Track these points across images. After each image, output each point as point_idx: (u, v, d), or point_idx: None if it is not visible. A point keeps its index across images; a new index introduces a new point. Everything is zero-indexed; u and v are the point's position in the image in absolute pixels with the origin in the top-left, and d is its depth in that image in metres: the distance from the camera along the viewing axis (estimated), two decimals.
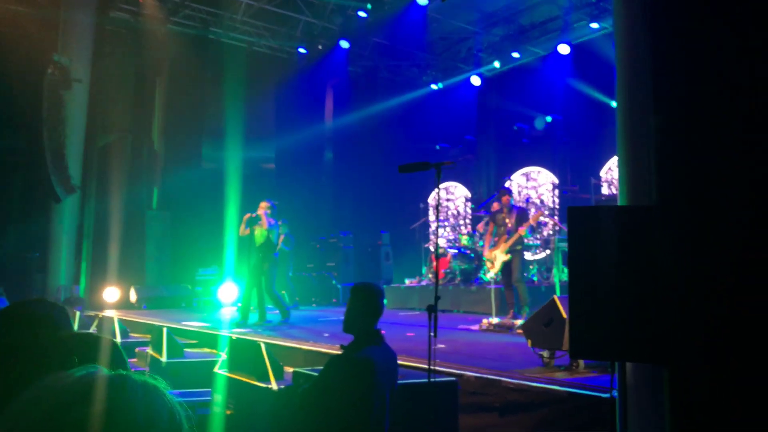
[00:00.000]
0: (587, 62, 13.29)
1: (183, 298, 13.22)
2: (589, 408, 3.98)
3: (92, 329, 8.10)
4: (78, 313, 8.61)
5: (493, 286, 9.76)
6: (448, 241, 14.69)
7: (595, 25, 13.20)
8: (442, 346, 6.37)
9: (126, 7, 13.62)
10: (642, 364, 3.28)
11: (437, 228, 4.39)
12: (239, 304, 10.03)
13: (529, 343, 5.36)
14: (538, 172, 15.34)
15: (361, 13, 13.98)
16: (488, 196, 14.03)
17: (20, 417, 0.76)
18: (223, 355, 5.38)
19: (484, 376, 4.71)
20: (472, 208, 16.29)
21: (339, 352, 3.60)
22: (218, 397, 4.86)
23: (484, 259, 9.99)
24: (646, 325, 2.98)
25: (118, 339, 7.77)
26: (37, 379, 0.82)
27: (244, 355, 4.91)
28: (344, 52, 15.26)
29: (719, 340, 2.61)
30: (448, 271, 12.39)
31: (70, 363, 0.90)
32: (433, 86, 17.24)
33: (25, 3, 11.83)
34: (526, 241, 9.40)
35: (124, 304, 12.54)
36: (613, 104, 3.83)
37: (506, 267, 8.92)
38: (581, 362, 4.93)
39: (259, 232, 9.33)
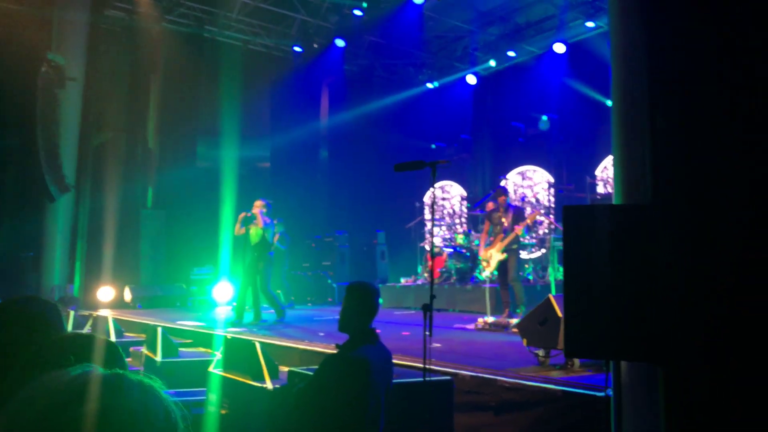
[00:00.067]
0: (583, 61, 13.30)
1: (178, 297, 13.19)
2: (584, 407, 3.98)
3: (87, 329, 8.07)
4: (72, 313, 8.58)
5: (488, 285, 9.76)
6: (444, 240, 14.71)
7: (590, 24, 13.21)
8: (438, 345, 6.37)
9: (120, 5, 13.57)
10: (637, 363, 3.28)
11: (433, 227, 4.38)
12: (234, 304, 10.01)
13: (525, 342, 5.37)
14: (534, 171, 15.35)
15: (357, 12, 13.96)
16: (484, 195, 14.03)
17: (16, 417, 0.76)
18: (218, 355, 5.37)
19: (480, 375, 4.71)
20: (467, 207, 16.29)
21: (334, 352, 3.59)
22: (213, 397, 4.84)
23: (480, 258, 9.99)
24: (642, 324, 2.98)
25: (113, 339, 7.74)
26: (33, 379, 0.81)
27: (239, 354, 4.90)
28: (340, 51, 15.24)
29: (719, 339, 2.60)
30: (444, 270, 12.39)
31: (67, 363, 0.90)
32: (429, 85, 17.24)
33: (19, 1, 11.78)
34: (521, 240, 9.40)
35: (118, 304, 12.51)
36: (609, 103, 3.83)
37: (502, 266, 8.93)
38: (576, 361, 4.94)
39: (255, 231, 9.31)
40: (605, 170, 13.39)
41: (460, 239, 12.68)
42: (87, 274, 12.88)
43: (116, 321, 8.49)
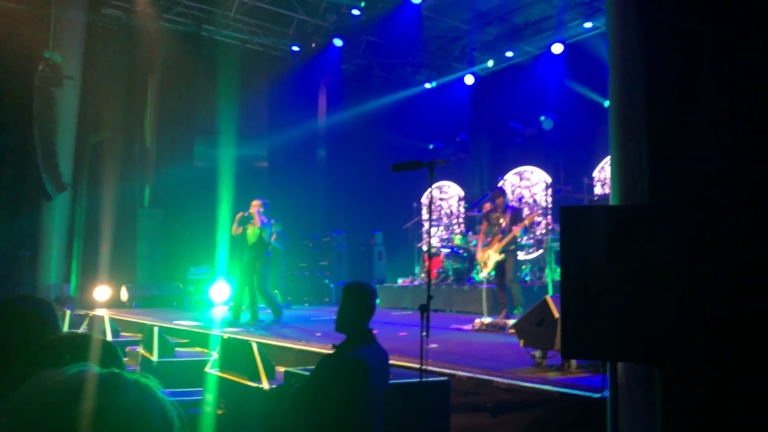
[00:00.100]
0: (581, 61, 13.32)
1: (174, 297, 13.17)
2: (581, 408, 3.98)
3: (83, 328, 8.05)
4: (68, 312, 8.56)
5: (485, 286, 9.76)
6: (441, 240, 14.71)
7: (588, 25, 13.22)
8: (435, 345, 6.36)
9: (118, 3, 13.54)
10: (634, 364, 3.28)
11: (430, 227, 4.38)
12: (231, 303, 9.99)
13: (521, 342, 5.36)
14: (531, 171, 15.35)
15: (355, 11, 13.95)
16: (482, 195, 14.04)
17: (12, 416, 0.76)
18: (215, 355, 5.36)
19: (476, 376, 4.71)
20: (465, 208, 16.29)
21: (331, 352, 3.58)
22: (209, 397, 4.83)
23: (476, 262, 10.00)
24: (639, 325, 2.98)
25: (109, 338, 7.72)
26: (29, 378, 0.81)
27: (235, 354, 4.89)
28: (338, 50, 15.24)
29: (719, 339, 2.60)
30: (441, 270, 12.38)
31: (63, 362, 0.90)
32: (427, 85, 17.23)
33: None
34: (519, 240, 9.40)
35: (115, 303, 12.48)
36: (606, 104, 3.83)
37: (499, 267, 8.92)
38: (573, 362, 4.93)
39: (252, 231, 9.29)
40: (603, 171, 13.41)
41: (457, 240, 12.67)
42: (83, 273, 12.86)
43: (113, 320, 8.48)
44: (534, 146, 14.91)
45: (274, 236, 10.48)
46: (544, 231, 13.61)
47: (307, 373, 3.85)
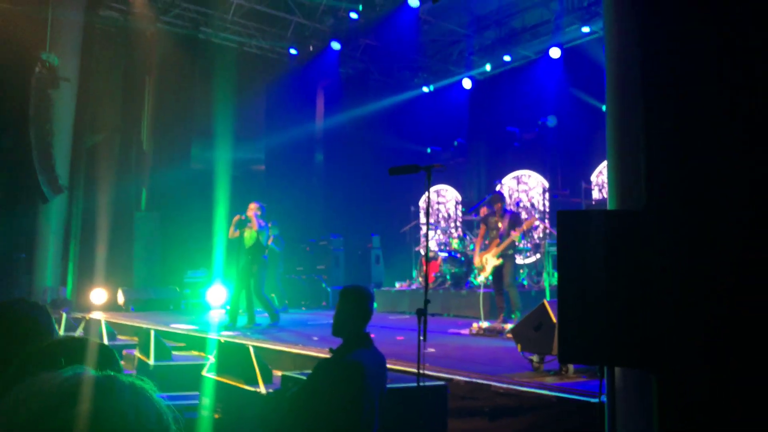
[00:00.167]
0: (578, 66, 13.34)
1: (171, 300, 13.12)
2: (578, 413, 3.97)
3: (79, 331, 8.02)
4: (65, 315, 8.54)
5: (482, 290, 9.74)
6: (439, 244, 14.69)
7: (586, 29, 13.24)
8: (432, 350, 6.35)
9: (115, 5, 13.53)
10: (630, 369, 3.27)
11: (428, 231, 4.37)
12: (228, 307, 9.97)
13: (519, 347, 5.36)
14: (529, 175, 15.37)
15: (353, 15, 13.96)
16: (479, 199, 14.04)
17: (7, 418, 0.76)
18: (212, 359, 5.33)
19: (474, 380, 4.70)
20: (462, 212, 16.29)
21: (328, 356, 3.57)
22: (206, 401, 4.81)
23: (474, 267, 9.97)
24: (636, 329, 2.97)
25: (106, 342, 7.70)
26: (24, 382, 0.81)
27: (232, 358, 4.87)
28: (335, 54, 15.24)
29: (719, 340, 2.60)
30: (439, 274, 12.37)
31: (59, 365, 0.89)
32: (425, 89, 17.24)
33: (13, 0, 11.73)
34: (517, 245, 9.39)
35: (111, 306, 12.44)
36: (604, 108, 3.83)
37: (497, 271, 8.90)
38: (571, 367, 4.93)
39: (249, 234, 9.27)
40: (600, 175, 13.42)
41: (455, 244, 12.67)
42: (80, 276, 12.82)
43: (109, 324, 8.45)
44: (532, 150, 14.92)
45: (271, 239, 10.46)
46: (541, 235, 13.62)
47: (305, 377, 3.84)
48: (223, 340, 6.67)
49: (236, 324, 9.13)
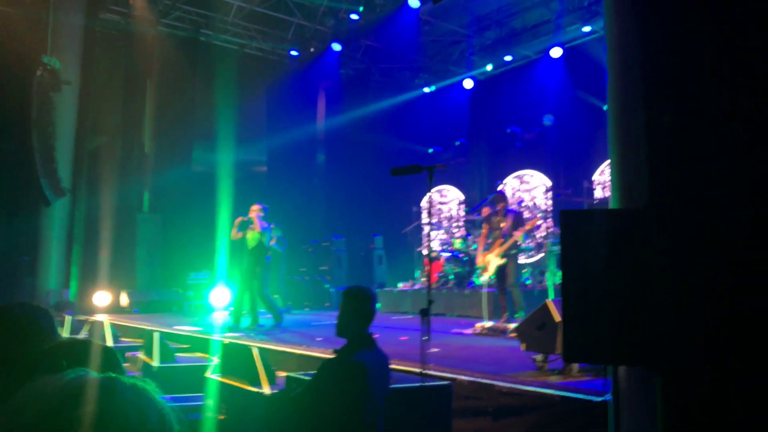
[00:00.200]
0: (580, 65, 13.33)
1: (174, 302, 13.13)
2: (583, 412, 3.97)
3: (83, 334, 8.04)
4: (68, 318, 8.54)
5: (486, 290, 9.74)
6: (442, 244, 14.71)
7: (587, 29, 13.23)
8: (436, 350, 6.34)
9: (116, 8, 13.56)
10: (634, 368, 3.27)
11: (430, 231, 4.38)
12: (231, 308, 9.97)
13: (523, 346, 5.36)
14: (531, 175, 15.35)
15: (353, 16, 13.97)
16: (481, 199, 14.03)
17: (11, 421, 0.76)
18: (215, 360, 5.34)
19: (478, 380, 4.70)
20: (465, 212, 16.29)
21: (332, 356, 3.57)
22: (210, 402, 4.82)
23: (477, 267, 9.96)
24: (636, 328, 2.97)
25: (110, 344, 7.71)
26: (27, 384, 0.82)
27: (236, 359, 4.88)
28: (336, 55, 15.25)
29: (719, 339, 2.60)
30: (441, 274, 12.37)
31: (61, 368, 0.90)
32: (426, 89, 17.24)
33: (13, 4, 11.75)
34: (519, 244, 9.38)
35: (115, 309, 12.45)
36: (606, 107, 3.83)
37: (500, 271, 8.88)
38: (575, 366, 4.92)
39: (252, 236, 9.28)
40: (603, 174, 13.41)
41: (457, 244, 12.67)
42: (83, 278, 12.83)
43: (113, 326, 8.46)
44: (534, 150, 14.91)
45: (273, 240, 10.47)
46: (544, 234, 13.61)
47: (308, 378, 3.85)
48: (226, 341, 6.69)
49: (240, 325, 9.14)
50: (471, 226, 14.37)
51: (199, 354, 7.49)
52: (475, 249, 10.68)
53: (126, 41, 13.90)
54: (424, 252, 14.22)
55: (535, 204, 15.11)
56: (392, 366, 3.72)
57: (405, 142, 16.30)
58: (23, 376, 1.27)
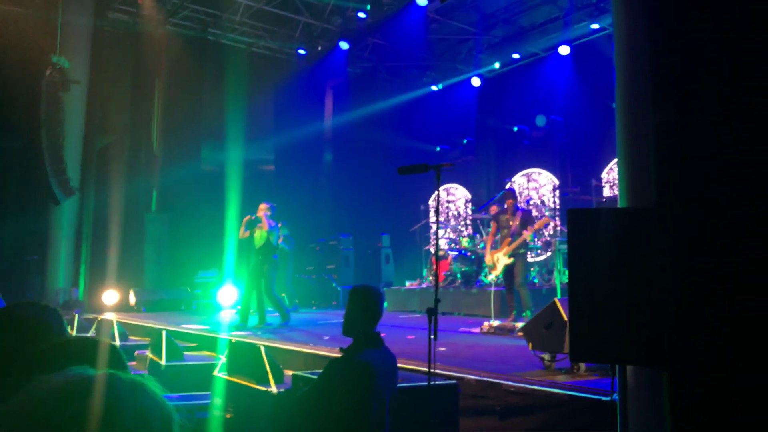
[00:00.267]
0: (588, 63, 13.27)
1: (182, 300, 13.18)
2: (590, 411, 3.95)
3: (91, 332, 8.08)
4: (77, 316, 8.60)
5: (493, 289, 9.72)
6: (449, 243, 14.68)
7: (595, 26, 13.18)
8: (443, 349, 6.34)
9: (125, 8, 13.62)
10: (642, 368, 3.26)
11: (437, 230, 4.37)
12: (239, 307, 10.00)
13: (530, 346, 5.34)
14: (539, 173, 15.31)
15: (361, 14, 13.96)
16: (488, 198, 14.00)
17: (10, 418, 0.77)
18: (223, 358, 5.35)
19: (485, 379, 4.69)
20: (472, 210, 16.26)
21: (338, 355, 3.57)
22: (217, 401, 4.83)
23: (485, 264, 9.92)
24: (643, 328, 2.96)
25: (117, 342, 7.74)
26: (28, 383, 0.83)
27: (243, 358, 4.89)
28: (343, 53, 15.24)
29: (719, 339, 2.59)
30: (449, 273, 12.36)
31: (61, 366, 0.91)
32: (433, 87, 17.22)
33: (23, 4, 11.82)
34: (528, 243, 9.35)
35: (123, 307, 12.51)
36: (614, 105, 3.81)
37: (509, 270, 8.85)
38: (582, 365, 4.91)
39: (259, 234, 9.29)
40: (611, 172, 13.35)
41: (465, 242, 12.65)
42: (91, 277, 12.90)
43: (121, 324, 8.50)
44: (541, 148, 14.87)
45: (281, 239, 10.48)
46: (552, 233, 13.57)
47: (315, 377, 3.85)
48: (234, 340, 6.69)
49: (247, 324, 9.16)
50: (478, 224, 14.35)
51: (206, 352, 7.51)
52: (483, 248, 10.65)
53: (134, 41, 13.95)
54: (432, 250, 14.21)
55: (543, 202, 15.07)
56: (399, 365, 3.72)
57: (412, 141, 16.29)
58: (26, 374, 1.28)
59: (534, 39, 14.64)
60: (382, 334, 3.56)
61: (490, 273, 9.40)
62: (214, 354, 7.16)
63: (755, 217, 2.58)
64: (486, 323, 8.31)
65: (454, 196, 17.48)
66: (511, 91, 15.67)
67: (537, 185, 15.34)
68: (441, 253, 12.67)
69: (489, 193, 15.44)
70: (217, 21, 14.42)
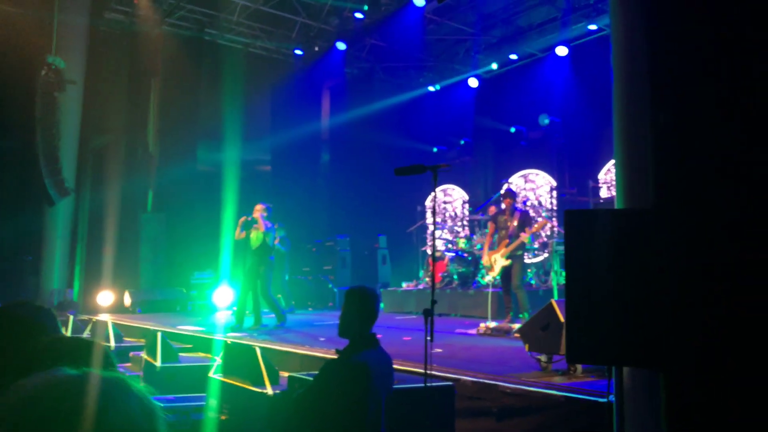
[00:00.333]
0: (585, 63, 13.27)
1: (178, 301, 13.14)
2: (587, 413, 3.94)
3: (86, 333, 8.05)
4: (72, 318, 8.57)
5: (490, 290, 9.71)
6: (446, 244, 14.68)
7: (593, 27, 13.18)
8: (439, 350, 6.33)
9: (121, 8, 13.58)
10: (638, 369, 3.25)
11: (434, 231, 4.35)
12: (234, 308, 9.97)
13: (527, 347, 5.33)
14: (536, 174, 15.31)
15: (358, 15, 13.95)
16: (486, 198, 13.99)
17: None
18: (218, 360, 5.34)
19: (481, 380, 4.67)
20: (469, 211, 16.25)
21: (334, 357, 3.56)
22: (213, 402, 4.81)
23: (482, 266, 9.90)
24: (640, 329, 2.95)
25: (112, 343, 7.72)
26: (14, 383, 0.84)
27: (239, 359, 4.87)
28: (341, 54, 15.23)
29: (716, 340, 2.58)
30: (445, 274, 12.34)
31: (44, 367, 0.92)
32: (430, 88, 17.21)
33: (19, 4, 11.78)
34: (525, 245, 9.32)
35: (118, 308, 12.47)
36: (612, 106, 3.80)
37: (506, 272, 8.83)
38: (579, 367, 4.89)
39: (255, 235, 9.26)
40: (608, 173, 13.35)
41: (461, 243, 12.64)
42: (86, 278, 12.87)
43: (116, 326, 8.47)
44: (539, 149, 14.86)
45: (277, 240, 10.46)
46: (549, 234, 13.57)
47: (311, 378, 3.83)
48: (229, 341, 6.67)
49: (243, 325, 9.13)
50: (475, 225, 14.34)
51: (201, 354, 7.49)
52: (480, 249, 10.63)
53: (130, 41, 13.92)
54: (428, 252, 14.20)
55: (540, 203, 15.07)
56: (395, 366, 3.70)
57: (410, 141, 16.27)
58: (17, 375, 1.26)
59: (531, 40, 14.64)
60: (379, 335, 3.54)
61: (487, 274, 9.39)
62: (209, 355, 7.13)
63: (753, 219, 2.57)
64: (483, 324, 8.30)
65: (451, 197, 17.47)
66: (509, 91, 15.67)
67: (534, 186, 15.33)
68: (438, 254, 12.66)
69: (486, 194, 15.43)
70: (213, 21, 14.40)
